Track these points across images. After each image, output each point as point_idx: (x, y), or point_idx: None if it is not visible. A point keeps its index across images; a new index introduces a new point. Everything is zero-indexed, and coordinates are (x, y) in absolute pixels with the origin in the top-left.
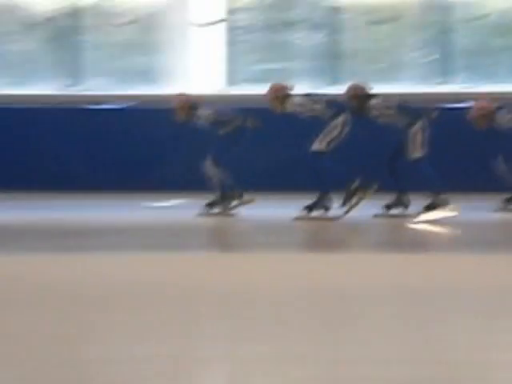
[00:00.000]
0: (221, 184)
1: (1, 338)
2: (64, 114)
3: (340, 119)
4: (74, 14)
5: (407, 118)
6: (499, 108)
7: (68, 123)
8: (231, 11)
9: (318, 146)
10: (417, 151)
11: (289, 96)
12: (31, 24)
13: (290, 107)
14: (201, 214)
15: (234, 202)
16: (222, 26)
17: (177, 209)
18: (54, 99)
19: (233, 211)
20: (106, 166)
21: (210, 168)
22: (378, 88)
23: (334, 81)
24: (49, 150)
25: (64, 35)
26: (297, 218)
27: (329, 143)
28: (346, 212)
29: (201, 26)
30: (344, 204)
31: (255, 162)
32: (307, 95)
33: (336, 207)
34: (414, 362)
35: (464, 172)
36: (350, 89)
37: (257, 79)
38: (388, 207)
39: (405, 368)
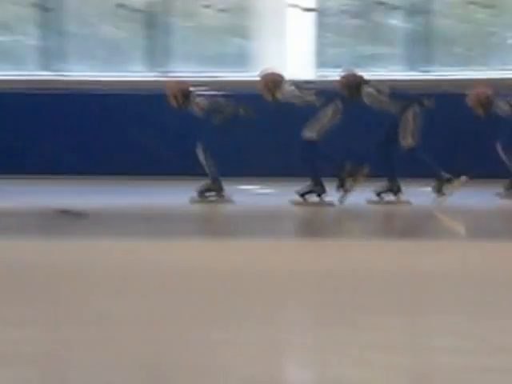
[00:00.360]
0: (211, 171)
1: (86, 322)
2: (149, 99)
3: (330, 107)
4: None
5: (400, 104)
6: (498, 94)
7: (153, 108)
8: None
9: (308, 134)
10: (409, 138)
11: (279, 85)
12: (123, 8)
13: (280, 96)
14: (193, 201)
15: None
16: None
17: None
18: (144, 85)
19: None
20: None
21: (200, 155)
22: (470, 73)
23: (427, 66)
24: (131, 135)
25: (155, 20)
26: (292, 204)
27: (319, 131)
28: (341, 200)
29: (292, 7)
30: (338, 190)
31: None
32: (297, 83)
33: (329, 194)
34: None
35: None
36: (343, 77)
37: (347, 64)
38: (379, 193)
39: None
